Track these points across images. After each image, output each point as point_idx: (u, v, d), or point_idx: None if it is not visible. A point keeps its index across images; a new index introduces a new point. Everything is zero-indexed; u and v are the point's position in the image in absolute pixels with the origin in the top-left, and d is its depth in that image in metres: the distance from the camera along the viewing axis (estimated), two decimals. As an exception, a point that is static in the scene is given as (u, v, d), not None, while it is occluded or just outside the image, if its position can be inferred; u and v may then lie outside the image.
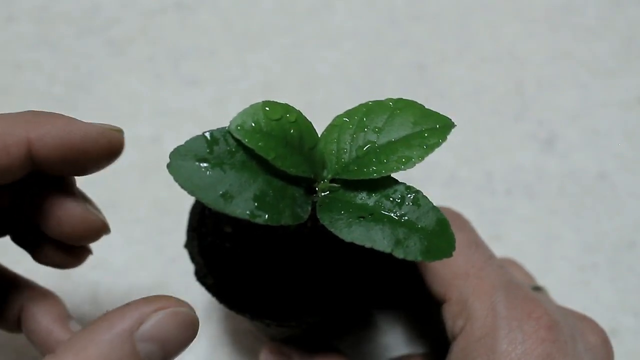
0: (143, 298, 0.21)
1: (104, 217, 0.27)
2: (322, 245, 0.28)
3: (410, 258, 0.21)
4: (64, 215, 0.25)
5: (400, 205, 0.23)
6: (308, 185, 0.23)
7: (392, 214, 0.22)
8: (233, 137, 0.22)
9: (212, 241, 0.29)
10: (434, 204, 0.23)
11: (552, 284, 0.37)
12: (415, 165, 0.23)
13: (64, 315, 0.27)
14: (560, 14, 0.50)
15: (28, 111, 0.24)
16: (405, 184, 0.23)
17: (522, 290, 0.26)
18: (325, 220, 0.22)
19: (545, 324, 0.25)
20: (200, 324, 0.22)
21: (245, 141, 0.22)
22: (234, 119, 0.23)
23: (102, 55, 0.48)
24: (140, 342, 0.20)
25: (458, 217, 0.30)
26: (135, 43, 0.48)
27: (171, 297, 0.22)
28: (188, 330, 0.21)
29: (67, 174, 0.25)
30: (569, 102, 0.46)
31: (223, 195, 0.21)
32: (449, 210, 0.30)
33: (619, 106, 0.46)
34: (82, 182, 0.30)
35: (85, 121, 0.25)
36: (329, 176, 0.24)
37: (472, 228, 0.29)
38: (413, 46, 0.48)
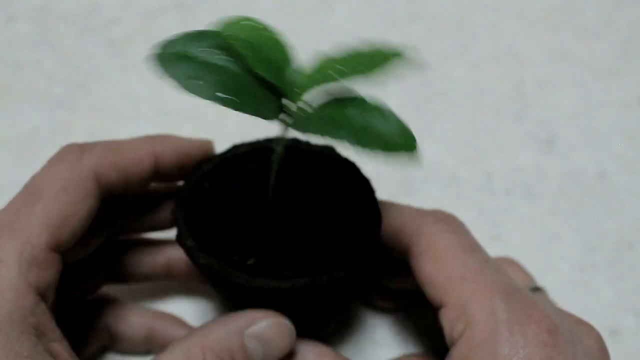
0: (257, 309, 0.26)
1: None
2: (294, 218, 0.29)
3: (369, 148, 0.22)
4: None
5: (363, 112, 0.24)
6: (277, 99, 0.25)
7: (357, 119, 0.24)
8: (212, 40, 0.25)
9: (196, 206, 0.29)
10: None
11: (552, 284, 0.37)
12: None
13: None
14: (560, 14, 0.50)
15: (146, 135, 0.30)
16: (371, 97, 0.24)
17: (521, 294, 0.26)
18: (298, 129, 0.24)
19: (546, 327, 0.24)
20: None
21: (225, 32, 0.24)
22: (224, 26, 0.25)
23: (102, 55, 0.48)
24: (248, 339, 0.26)
25: (453, 220, 0.29)
26: (135, 43, 0.48)
27: (278, 313, 0.26)
28: (286, 340, 0.26)
29: (177, 179, 0.31)
30: (569, 102, 0.46)
31: (190, 77, 0.24)
32: (442, 213, 0.29)
33: (619, 106, 0.46)
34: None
35: (188, 137, 0.32)
36: (300, 92, 0.25)
37: (467, 231, 0.29)
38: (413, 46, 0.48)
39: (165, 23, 0.49)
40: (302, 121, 0.25)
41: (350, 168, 0.31)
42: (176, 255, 0.33)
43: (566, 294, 0.37)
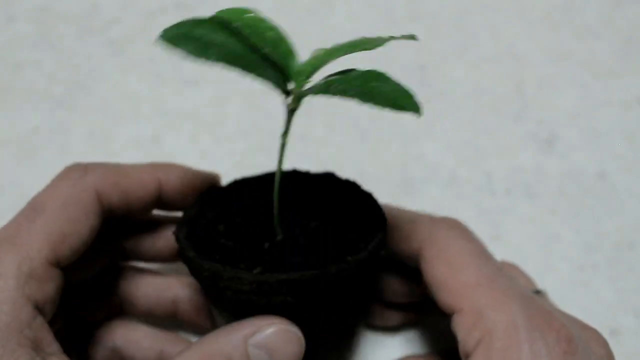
0: (261, 316, 0.26)
1: None
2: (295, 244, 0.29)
3: (377, 104, 0.22)
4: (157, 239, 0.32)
5: (367, 80, 0.24)
6: (282, 81, 0.26)
7: (361, 83, 0.24)
8: (213, 24, 0.26)
9: (198, 227, 0.30)
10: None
11: (552, 284, 0.37)
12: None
13: None
14: (560, 14, 0.50)
15: (152, 162, 0.31)
16: (374, 69, 0.25)
17: (536, 301, 0.26)
18: (305, 93, 0.25)
19: (565, 336, 0.24)
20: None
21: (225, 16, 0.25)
22: (225, 11, 0.26)
23: (102, 55, 0.48)
24: (252, 348, 0.25)
25: (465, 229, 0.29)
26: (135, 43, 0.48)
27: (284, 319, 0.26)
28: (294, 348, 0.25)
29: (180, 209, 0.31)
30: (569, 102, 0.46)
31: (199, 48, 0.25)
32: (454, 221, 0.29)
33: (619, 106, 0.46)
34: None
35: (194, 168, 0.32)
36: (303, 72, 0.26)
37: (478, 239, 0.29)
38: (413, 46, 0.48)
39: (165, 23, 0.49)
40: (307, 90, 0.25)
41: (352, 186, 0.32)
42: (183, 294, 0.32)
43: (566, 294, 0.37)
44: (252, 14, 0.27)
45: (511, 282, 0.26)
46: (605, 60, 0.48)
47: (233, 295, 0.26)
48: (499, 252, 0.39)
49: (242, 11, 0.26)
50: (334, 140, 0.44)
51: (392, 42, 0.41)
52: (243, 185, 0.32)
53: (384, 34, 0.25)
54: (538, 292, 0.31)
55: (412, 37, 0.25)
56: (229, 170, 0.44)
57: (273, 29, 0.27)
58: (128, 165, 0.30)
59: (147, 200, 0.30)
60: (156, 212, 0.32)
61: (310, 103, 0.45)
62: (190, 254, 0.27)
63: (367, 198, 0.30)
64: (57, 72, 0.47)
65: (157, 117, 0.45)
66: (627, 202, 0.41)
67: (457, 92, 0.46)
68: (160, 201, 0.31)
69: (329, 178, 0.32)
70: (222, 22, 0.26)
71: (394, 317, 0.34)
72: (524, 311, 0.25)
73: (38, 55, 0.47)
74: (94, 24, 0.49)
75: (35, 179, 0.42)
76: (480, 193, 0.42)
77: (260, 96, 0.46)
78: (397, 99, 0.23)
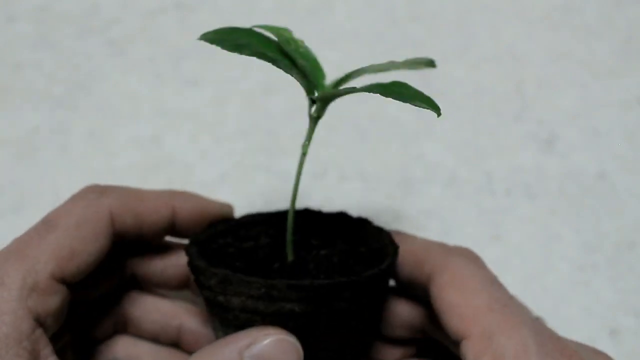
0: (257, 327, 0.26)
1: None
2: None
3: (398, 98, 0.24)
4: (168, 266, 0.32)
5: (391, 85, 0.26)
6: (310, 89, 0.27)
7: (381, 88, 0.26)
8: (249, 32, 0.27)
9: (210, 247, 0.30)
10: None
11: (552, 284, 0.37)
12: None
13: None
14: (560, 14, 0.50)
15: (168, 189, 0.31)
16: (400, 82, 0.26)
17: (547, 329, 0.26)
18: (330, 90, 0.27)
19: None
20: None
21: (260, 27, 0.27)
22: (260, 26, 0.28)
23: (102, 55, 0.48)
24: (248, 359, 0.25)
25: (477, 257, 0.29)
26: (135, 43, 0.48)
27: (281, 329, 0.25)
28: (292, 357, 0.25)
29: (189, 235, 0.31)
30: (569, 102, 0.46)
31: (238, 45, 0.26)
32: (467, 250, 0.29)
33: (619, 106, 0.46)
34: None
35: (208, 198, 0.32)
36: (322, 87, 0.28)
37: (489, 268, 0.29)
38: (413, 46, 0.48)
39: (165, 23, 0.49)
40: (333, 92, 0.27)
41: (364, 222, 0.32)
42: (189, 324, 0.32)
43: (566, 294, 0.37)
44: (287, 31, 0.28)
45: (524, 309, 0.26)
46: (605, 60, 0.48)
47: (240, 304, 0.26)
48: (499, 252, 0.39)
49: (277, 28, 0.28)
50: (334, 140, 0.44)
51: (392, 42, 0.41)
52: (255, 218, 0.33)
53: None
54: (536, 319, 0.31)
55: (430, 64, 0.28)
56: (229, 170, 0.44)
57: (305, 47, 0.28)
58: (145, 190, 0.31)
59: (160, 226, 0.30)
60: (169, 238, 0.33)
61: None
62: (200, 262, 0.27)
63: (379, 232, 0.31)
64: (57, 72, 0.47)
65: (157, 117, 0.45)
66: (627, 202, 0.41)
67: (457, 92, 0.46)
68: (174, 228, 0.31)
69: (341, 216, 0.33)
70: (257, 32, 0.27)
71: (394, 352, 0.33)
72: (535, 337, 0.24)
73: (38, 55, 0.47)
74: (94, 24, 0.49)
75: (35, 179, 0.42)
76: (480, 193, 0.42)
77: (260, 96, 0.46)
78: (418, 96, 0.24)
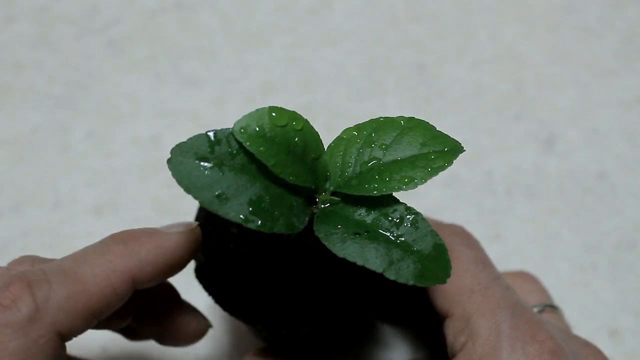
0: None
1: (209, 321, 0.30)
2: (323, 257, 0.27)
3: (401, 281, 0.21)
4: (181, 328, 0.29)
5: (398, 225, 0.22)
6: (308, 196, 0.23)
7: (389, 234, 0.22)
8: (236, 139, 0.22)
9: (217, 240, 0.29)
10: (432, 228, 0.23)
11: (552, 284, 0.37)
12: (417, 186, 0.23)
13: None
14: (560, 14, 0.50)
15: (112, 239, 0.24)
16: (405, 204, 0.23)
17: (527, 313, 0.26)
18: (320, 232, 0.22)
19: (549, 348, 0.24)
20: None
21: (247, 144, 0.22)
22: (238, 121, 0.22)
23: (102, 55, 0.48)
24: None
25: (468, 236, 0.29)
26: (135, 43, 0.48)
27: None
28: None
29: (162, 280, 0.26)
30: (569, 102, 0.46)
31: (218, 197, 0.21)
32: (459, 228, 0.30)
33: (619, 106, 0.46)
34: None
35: (164, 229, 0.25)
36: (331, 188, 0.24)
37: (481, 248, 0.29)
38: (413, 46, 0.48)
39: (165, 23, 0.49)
40: (332, 201, 0.24)
41: None
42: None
43: (566, 294, 0.37)
44: (306, 124, 0.24)
45: (506, 291, 0.27)
46: (605, 60, 0.48)
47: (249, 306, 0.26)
48: (499, 252, 0.39)
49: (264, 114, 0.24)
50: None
51: (392, 42, 0.41)
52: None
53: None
54: (552, 308, 0.31)
55: (459, 150, 0.25)
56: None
57: (322, 149, 0.24)
58: (81, 270, 0.23)
59: (119, 298, 0.24)
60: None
61: (311, 102, 0.45)
62: (208, 280, 0.27)
63: None
64: (57, 72, 0.47)
65: (157, 117, 0.45)
66: (627, 202, 0.41)
67: (457, 92, 0.46)
68: (138, 287, 0.25)
69: None
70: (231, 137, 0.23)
71: None
72: (509, 320, 0.25)
73: (38, 55, 0.47)
74: (94, 24, 0.49)
75: (35, 179, 0.42)
76: (480, 193, 0.42)
77: (260, 96, 0.46)
78: (427, 265, 0.21)
